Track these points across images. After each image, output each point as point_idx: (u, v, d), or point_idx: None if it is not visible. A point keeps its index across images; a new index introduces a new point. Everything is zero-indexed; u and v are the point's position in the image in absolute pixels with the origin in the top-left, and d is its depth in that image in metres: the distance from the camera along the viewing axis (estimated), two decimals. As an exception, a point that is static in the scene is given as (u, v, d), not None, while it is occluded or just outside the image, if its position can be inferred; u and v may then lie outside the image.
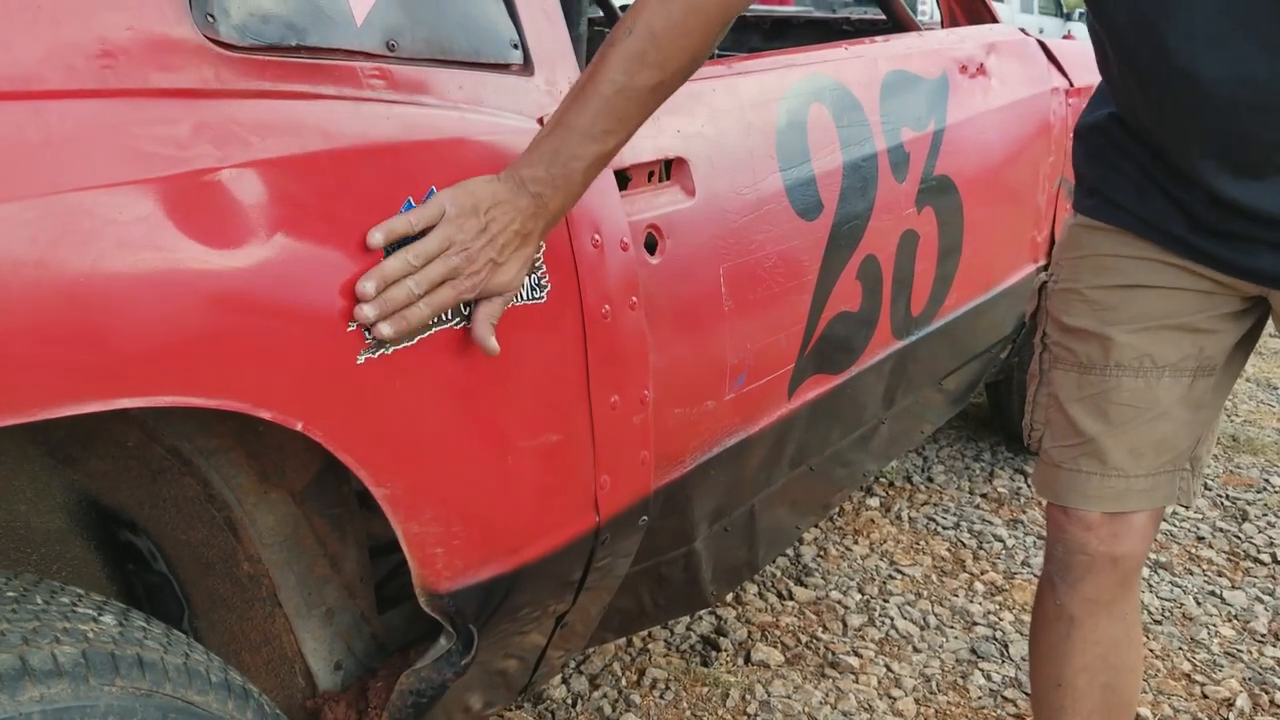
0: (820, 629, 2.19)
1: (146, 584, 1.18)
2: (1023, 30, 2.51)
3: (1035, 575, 2.41)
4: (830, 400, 1.74)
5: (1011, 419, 2.93)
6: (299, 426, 0.90)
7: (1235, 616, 2.26)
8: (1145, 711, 1.94)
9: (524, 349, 1.11)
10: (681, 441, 1.39)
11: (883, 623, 2.22)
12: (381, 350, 0.95)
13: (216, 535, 1.12)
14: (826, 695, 1.98)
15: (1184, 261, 1.24)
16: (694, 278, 1.37)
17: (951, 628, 2.21)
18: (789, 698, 1.96)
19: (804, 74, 1.66)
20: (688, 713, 1.93)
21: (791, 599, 2.29)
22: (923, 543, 2.56)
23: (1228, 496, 2.82)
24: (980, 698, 2.00)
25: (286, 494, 1.13)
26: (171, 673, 0.85)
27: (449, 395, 1.03)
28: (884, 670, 2.06)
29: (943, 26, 2.36)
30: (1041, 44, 2.48)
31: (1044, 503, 2.68)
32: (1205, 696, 2.00)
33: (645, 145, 1.31)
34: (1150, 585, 2.37)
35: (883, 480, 2.88)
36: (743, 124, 1.50)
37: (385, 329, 0.94)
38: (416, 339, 0.99)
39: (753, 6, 2.05)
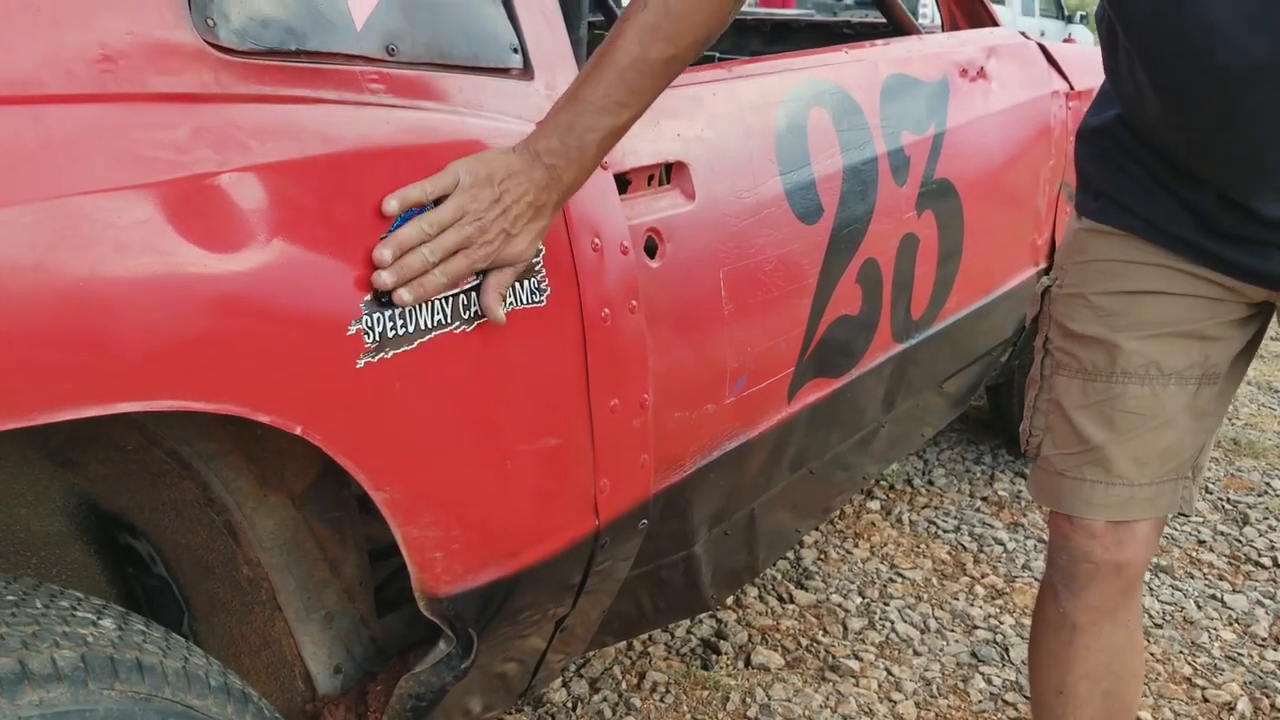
0: (821, 632, 2.19)
1: (146, 587, 1.18)
2: (1023, 34, 2.51)
3: (1036, 579, 2.41)
4: (830, 404, 1.74)
5: (1012, 422, 2.92)
6: (298, 430, 0.90)
7: (1236, 620, 2.26)
8: (1146, 716, 1.94)
9: (524, 353, 1.11)
10: (681, 445, 1.39)
11: (883, 626, 2.22)
12: (381, 354, 0.95)
13: (216, 539, 1.12)
14: (827, 699, 1.98)
15: (1192, 266, 1.23)
16: (694, 281, 1.37)
17: (952, 631, 2.21)
18: (789, 701, 1.96)
19: (804, 78, 1.66)
20: (688, 716, 1.93)
21: (792, 602, 2.28)
22: (923, 546, 2.56)
23: (1229, 500, 2.82)
24: (981, 701, 1.99)
25: (286, 498, 1.13)
26: (171, 676, 0.85)
27: (448, 399, 1.04)
28: (884, 674, 2.06)
29: (943, 30, 2.36)
30: (1042, 47, 2.48)
31: (1044, 507, 2.67)
32: (1206, 700, 1.99)
33: (645, 149, 1.31)
34: (1151, 589, 2.37)
35: (883, 483, 2.88)
36: (743, 128, 1.50)
37: (405, 294, 0.95)
38: (416, 343, 0.99)
39: (754, 10, 2.05)
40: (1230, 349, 1.29)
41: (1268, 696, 2.01)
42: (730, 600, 2.26)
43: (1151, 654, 2.12)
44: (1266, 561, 2.50)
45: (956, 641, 2.17)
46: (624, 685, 2.00)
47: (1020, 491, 2.85)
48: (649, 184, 1.33)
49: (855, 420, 1.90)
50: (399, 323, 0.97)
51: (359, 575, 1.22)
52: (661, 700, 1.96)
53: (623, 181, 1.28)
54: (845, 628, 2.20)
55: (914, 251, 1.87)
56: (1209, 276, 1.23)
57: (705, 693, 1.98)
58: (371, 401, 0.96)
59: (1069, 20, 15.47)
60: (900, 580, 2.40)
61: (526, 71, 1.18)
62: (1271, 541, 2.59)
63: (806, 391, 1.66)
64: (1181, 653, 2.14)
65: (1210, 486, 2.89)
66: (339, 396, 0.93)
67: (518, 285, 1.09)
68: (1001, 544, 2.56)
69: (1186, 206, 1.20)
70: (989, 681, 2.05)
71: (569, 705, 1.95)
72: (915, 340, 1.95)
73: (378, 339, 0.95)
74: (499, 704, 1.36)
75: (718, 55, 2.87)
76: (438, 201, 0.99)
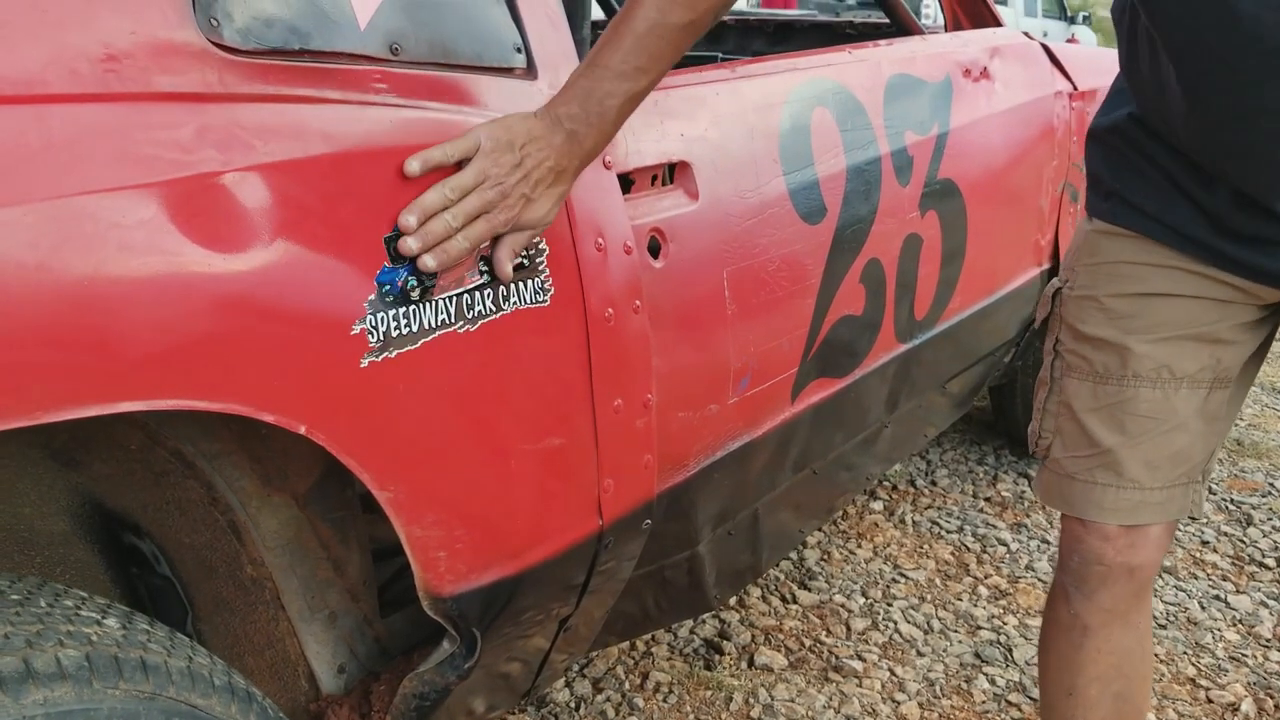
0: (824, 633, 2.19)
1: (150, 587, 1.19)
2: (1026, 34, 2.51)
3: (1039, 579, 2.41)
4: (834, 404, 1.74)
5: (1015, 422, 2.92)
6: (302, 430, 0.90)
7: (1240, 621, 2.26)
8: (1150, 717, 1.93)
9: (527, 353, 1.11)
10: (685, 445, 1.39)
11: (886, 626, 2.21)
12: (385, 353, 0.96)
13: (220, 538, 1.12)
14: (830, 699, 1.98)
15: (1204, 268, 1.22)
16: (697, 281, 1.37)
17: (955, 631, 2.21)
18: (792, 701, 1.96)
19: (807, 78, 1.66)
20: (691, 716, 1.92)
21: (795, 603, 2.28)
22: (926, 546, 2.55)
23: (1232, 501, 2.81)
24: (984, 702, 1.99)
25: (290, 497, 1.13)
26: (175, 676, 0.85)
27: (452, 398, 1.03)
28: (888, 674, 2.06)
29: (946, 30, 2.36)
30: (1045, 47, 2.48)
31: (1047, 507, 2.67)
32: (1210, 701, 1.99)
33: (649, 149, 1.31)
34: (1155, 590, 2.36)
35: (886, 484, 2.88)
36: (746, 128, 1.50)
37: (429, 260, 0.97)
38: (420, 342, 0.99)
39: (757, 10, 2.05)
40: (1242, 352, 1.28)
41: (1271, 697, 2.00)
42: (733, 600, 2.26)
43: (1155, 655, 2.12)
44: (1270, 562, 2.49)
45: (960, 642, 2.17)
46: (627, 685, 2.00)
47: (1024, 492, 2.84)
48: (652, 184, 1.33)
49: (859, 420, 1.90)
50: (403, 322, 0.97)
51: (362, 575, 1.22)
52: (664, 700, 1.96)
53: (626, 181, 1.28)
54: (848, 628, 2.20)
55: (917, 252, 1.87)
56: (1221, 278, 1.22)
57: (708, 693, 1.98)
58: (375, 401, 0.96)
59: (1071, 21, 15.46)
60: (903, 581, 2.40)
61: (530, 71, 1.18)
62: (1275, 542, 2.59)
63: (810, 391, 1.66)
64: (1185, 653, 2.14)
65: (1214, 487, 2.89)
66: (343, 396, 0.93)
67: (521, 285, 1.09)
68: (1005, 544, 2.56)
69: (1199, 207, 1.19)
70: (992, 682, 2.04)
71: (572, 705, 1.95)
72: (919, 340, 1.95)
73: (381, 338, 0.95)
74: (502, 704, 1.36)
75: (720, 55, 2.87)
76: (459, 166, 1.01)
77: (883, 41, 2.00)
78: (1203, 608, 2.30)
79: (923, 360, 2.00)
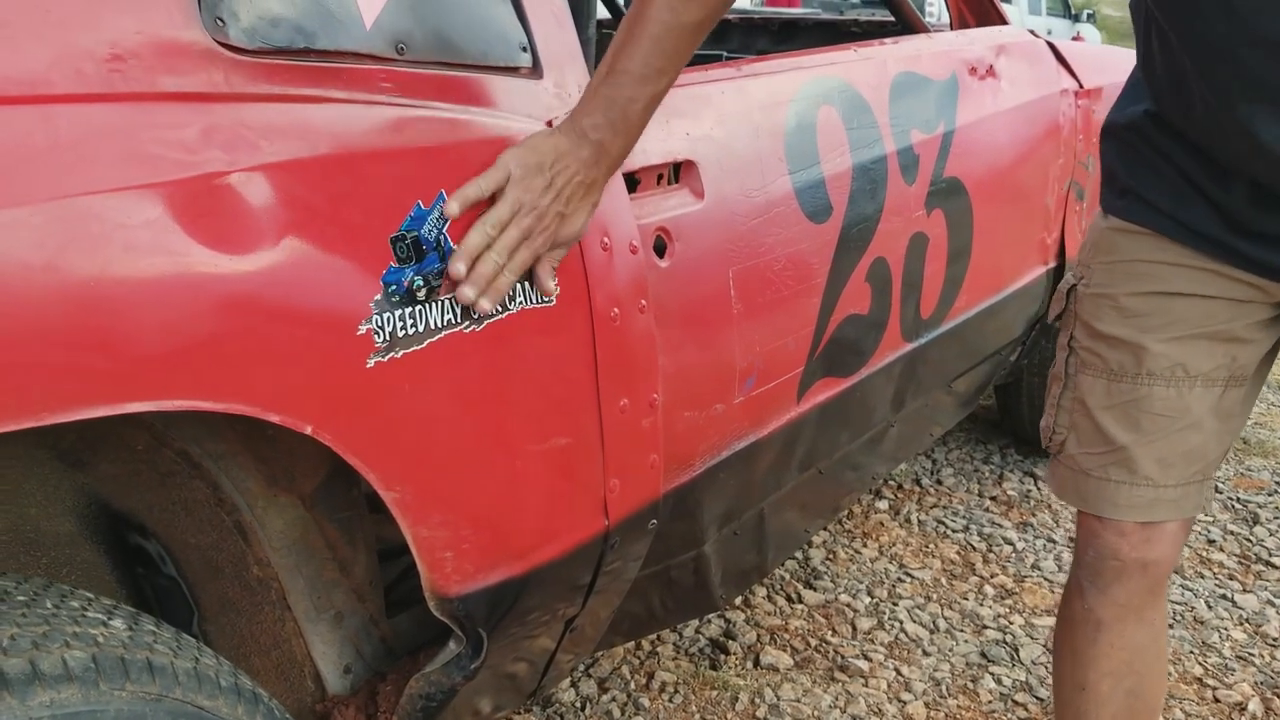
0: (829, 632, 2.18)
1: (156, 588, 1.19)
2: (1031, 32, 2.50)
3: (1045, 578, 2.40)
4: (839, 403, 1.73)
5: (1020, 421, 2.92)
6: (308, 430, 0.90)
7: (1247, 620, 2.25)
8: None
9: (533, 352, 1.10)
10: (690, 445, 1.39)
11: (892, 626, 2.21)
12: (391, 353, 0.95)
13: (226, 539, 1.12)
14: (836, 699, 1.97)
15: (1220, 266, 1.22)
16: (703, 280, 1.37)
17: (961, 631, 2.20)
18: (798, 701, 1.96)
19: (813, 76, 1.66)
20: (696, 716, 1.92)
21: (800, 602, 2.28)
22: (932, 546, 2.55)
23: (1239, 499, 2.80)
24: (991, 702, 1.99)
25: (296, 498, 1.13)
26: (181, 677, 0.85)
27: (458, 398, 1.03)
28: (893, 674, 2.06)
29: (951, 28, 2.36)
30: (1051, 45, 2.47)
31: (1053, 506, 2.67)
32: (1217, 700, 1.99)
33: (654, 148, 1.31)
34: (1161, 588, 2.36)
35: (891, 483, 2.88)
36: (751, 126, 1.49)
37: (485, 304, 1.00)
38: (426, 343, 0.98)
39: (761, 9, 2.05)
40: (1257, 351, 1.28)
41: (1279, 696, 2.00)
42: (739, 600, 2.26)
43: (1162, 654, 2.12)
44: (1277, 561, 2.49)
45: (966, 641, 2.17)
46: (633, 685, 2.00)
47: (1030, 491, 2.84)
48: (658, 183, 1.33)
49: (864, 420, 1.90)
50: (409, 322, 0.97)
51: (369, 575, 1.22)
52: (670, 700, 1.96)
53: (632, 180, 1.28)
54: (854, 628, 2.20)
55: (923, 250, 1.86)
56: (1237, 276, 1.21)
57: (714, 693, 1.98)
58: (381, 401, 0.96)
59: (1076, 19, 15.45)
60: (909, 580, 2.39)
61: (536, 70, 1.18)
62: (1282, 541, 2.58)
63: (816, 391, 1.66)
64: (1192, 653, 2.13)
65: (1220, 485, 2.88)
66: (349, 396, 0.93)
67: (525, 285, 1.09)
68: (1010, 543, 2.56)
69: (1215, 204, 1.19)
70: (999, 681, 2.04)
71: (578, 705, 1.95)
72: (925, 339, 1.95)
73: (388, 339, 0.95)
74: (508, 704, 1.36)
75: (725, 54, 2.87)
76: (493, 197, 1.02)
77: (888, 40, 2.00)
78: (1209, 607, 2.29)
79: (929, 359, 2.00)
